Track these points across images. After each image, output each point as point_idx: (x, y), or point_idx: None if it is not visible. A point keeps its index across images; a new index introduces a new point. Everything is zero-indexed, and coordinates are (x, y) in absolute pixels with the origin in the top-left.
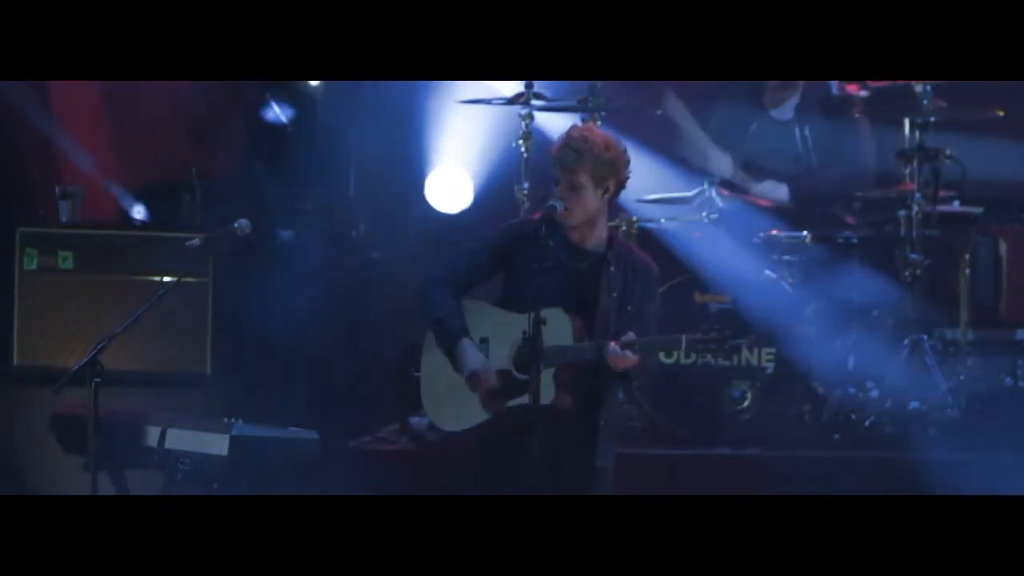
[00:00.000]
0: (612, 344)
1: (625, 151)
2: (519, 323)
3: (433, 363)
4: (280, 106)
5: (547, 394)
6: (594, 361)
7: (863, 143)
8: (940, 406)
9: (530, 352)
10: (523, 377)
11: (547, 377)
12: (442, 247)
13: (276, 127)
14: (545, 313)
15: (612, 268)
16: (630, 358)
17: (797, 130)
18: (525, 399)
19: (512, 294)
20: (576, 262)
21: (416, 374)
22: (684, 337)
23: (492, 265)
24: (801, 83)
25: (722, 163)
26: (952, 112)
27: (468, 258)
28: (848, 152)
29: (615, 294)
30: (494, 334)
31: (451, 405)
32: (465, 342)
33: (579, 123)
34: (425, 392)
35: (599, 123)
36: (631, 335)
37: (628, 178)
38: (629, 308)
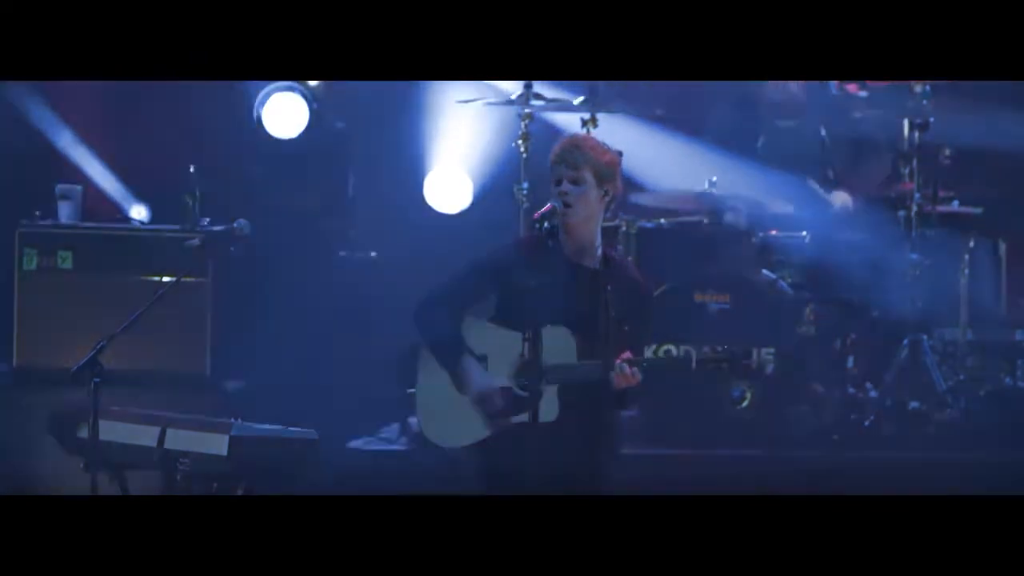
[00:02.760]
0: (619, 362)
1: (620, 163)
2: (518, 340)
3: (429, 380)
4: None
5: (551, 412)
6: (597, 379)
7: (876, 143)
8: (940, 406)
9: (530, 370)
10: (525, 394)
11: (551, 395)
12: (442, 247)
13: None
14: (549, 331)
15: (609, 287)
16: (637, 376)
17: (811, 135)
18: (526, 416)
19: (509, 312)
20: (573, 278)
21: (410, 391)
22: (694, 356)
23: (489, 285)
24: (805, 88)
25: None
26: (952, 111)
27: (465, 278)
28: (869, 153)
29: (613, 313)
30: (493, 351)
31: (448, 421)
32: (467, 360)
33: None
34: (421, 409)
35: (598, 126)
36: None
37: (620, 192)
38: (626, 328)
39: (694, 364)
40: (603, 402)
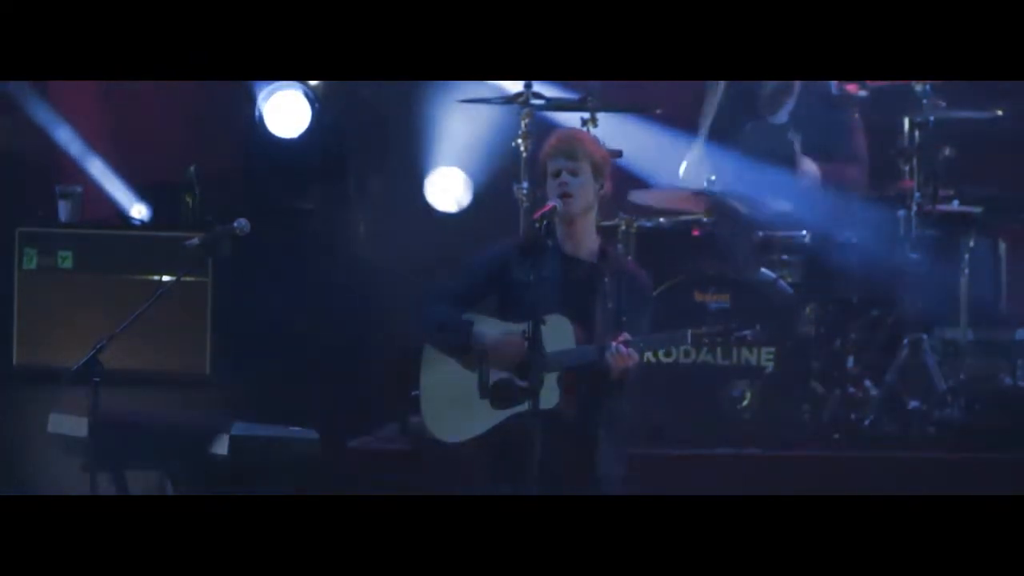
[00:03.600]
0: (614, 343)
1: (611, 160)
2: (519, 333)
3: (432, 378)
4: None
5: (551, 399)
6: (596, 364)
7: (857, 142)
8: (940, 406)
9: (529, 357)
10: (525, 383)
11: (551, 381)
12: (442, 246)
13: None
14: (547, 319)
15: (607, 279)
16: (633, 356)
17: (792, 134)
18: (528, 405)
19: (509, 308)
20: (570, 272)
21: (415, 393)
22: (689, 331)
23: (488, 282)
24: (797, 87)
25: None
26: (952, 111)
27: (464, 276)
28: (842, 150)
29: (610, 304)
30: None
31: (452, 417)
32: (476, 327)
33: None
34: (425, 408)
35: (598, 125)
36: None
37: (611, 190)
38: (624, 319)
39: (689, 339)
40: (602, 386)
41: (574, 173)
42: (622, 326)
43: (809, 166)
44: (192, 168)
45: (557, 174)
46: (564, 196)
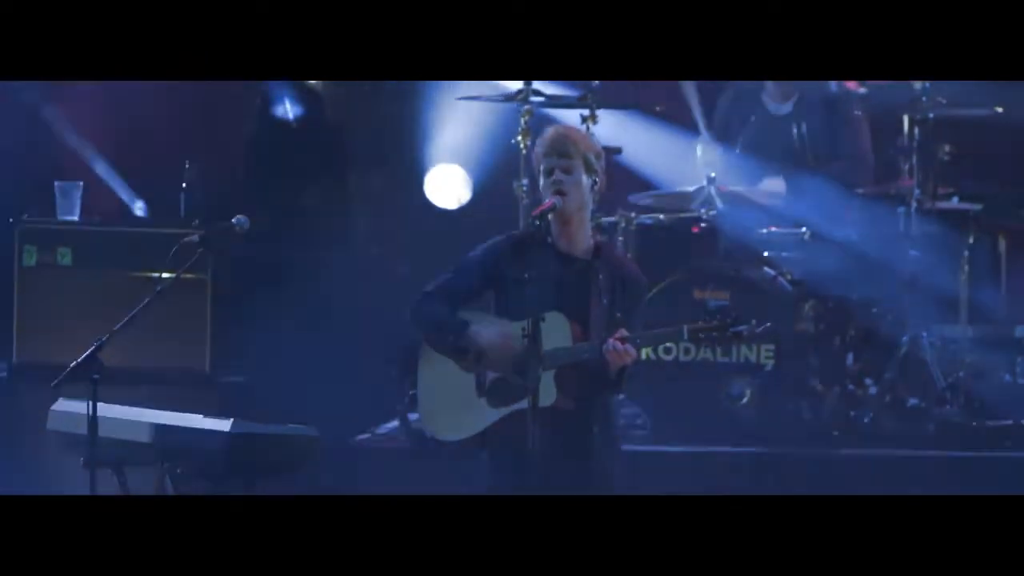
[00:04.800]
0: (611, 340)
1: (603, 155)
2: (517, 329)
3: (430, 377)
4: (291, 103)
5: (549, 396)
6: (593, 361)
7: (861, 139)
8: (939, 403)
9: (528, 355)
10: (523, 381)
11: (548, 379)
12: (442, 243)
13: (279, 124)
14: (545, 316)
15: (601, 276)
16: (630, 352)
17: (795, 126)
18: (525, 403)
19: (506, 305)
20: (566, 269)
21: (411, 392)
22: (685, 327)
23: (483, 279)
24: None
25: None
26: (952, 109)
27: (459, 274)
28: (846, 148)
29: (605, 301)
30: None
31: (450, 416)
32: (472, 327)
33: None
34: (423, 407)
35: (597, 123)
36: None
37: (605, 184)
38: (618, 315)
39: (686, 335)
40: (600, 384)
41: (567, 171)
42: (616, 323)
43: (775, 186)
44: (191, 164)
45: (550, 172)
46: (558, 194)
